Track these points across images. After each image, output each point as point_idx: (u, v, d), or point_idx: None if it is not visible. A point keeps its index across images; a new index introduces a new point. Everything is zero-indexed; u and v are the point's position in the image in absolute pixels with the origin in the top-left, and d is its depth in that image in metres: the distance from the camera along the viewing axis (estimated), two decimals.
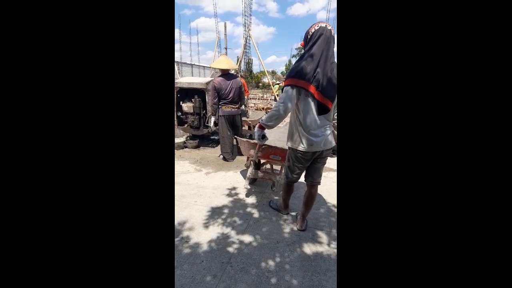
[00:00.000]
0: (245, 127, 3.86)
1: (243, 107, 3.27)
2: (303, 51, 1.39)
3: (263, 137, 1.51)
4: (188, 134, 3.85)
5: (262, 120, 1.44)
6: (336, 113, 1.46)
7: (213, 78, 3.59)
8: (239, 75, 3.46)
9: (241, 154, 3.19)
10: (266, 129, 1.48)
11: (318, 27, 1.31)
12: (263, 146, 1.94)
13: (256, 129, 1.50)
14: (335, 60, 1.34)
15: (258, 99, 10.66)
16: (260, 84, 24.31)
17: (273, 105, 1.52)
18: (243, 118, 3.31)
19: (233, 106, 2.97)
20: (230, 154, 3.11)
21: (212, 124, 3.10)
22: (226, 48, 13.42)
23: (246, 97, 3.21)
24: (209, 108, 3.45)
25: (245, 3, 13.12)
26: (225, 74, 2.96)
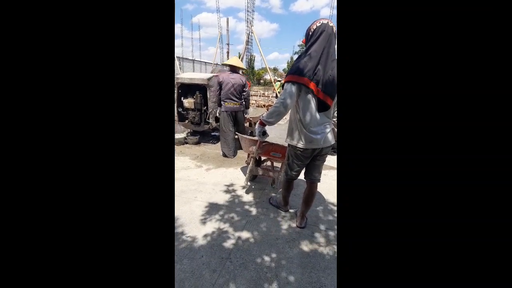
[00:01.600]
0: (246, 124, 3.87)
1: (246, 111, 3.32)
2: (305, 48, 1.39)
3: (264, 133, 1.51)
4: (189, 130, 3.85)
5: (263, 117, 1.45)
6: (336, 111, 1.45)
7: (214, 74, 3.60)
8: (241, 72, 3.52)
9: (241, 149, 3.25)
10: (267, 126, 1.48)
11: (320, 24, 1.30)
12: (264, 143, 1.94)
13: (257, 125, 1.50)
14: (337, 58, 1.34)
15: (260, 96, 10.61)
16: (261, 81, 24.22)
17: (274, 102, 1.54)
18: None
19: (235, 102, 3.03)
20: (231, 150, 3.12)
21: (215, 116, 3.30)
22: (228, 44, 13.35)
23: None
24: (210, 104, 3.48)
25: None
26: (231, 71, 3.12)
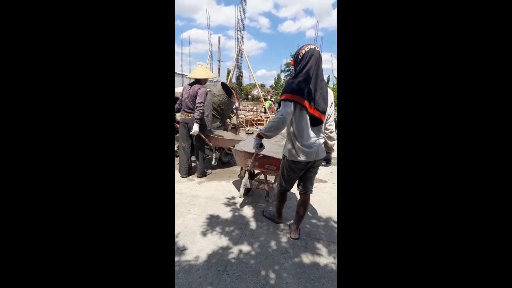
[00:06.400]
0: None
1: (233, 119, 2.94)
2: (292, 67, 1.52)
3: (261, 145, 1.58)
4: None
5: (261, 130, 1.53)
6: (327, 124, 1.57)
7: (207, 89, 3.65)
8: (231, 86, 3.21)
9: (203, 174, 2.88)
10: (264, 139, 1.56)
11: (308, 49, 1.45)
12: (260, 155, 2.00)
13: (254, 138, 1.57)
14: (324, 78, 1.50)
15: (248, 111, 10.80)
16: (249, 96, 24.73)
17: (272, 117, 1.67)
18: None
19: (186, 114, 2.73)
20: (182, 167, 2.81)
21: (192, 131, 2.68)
22: (219, 61, 13.68)
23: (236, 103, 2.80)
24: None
25: (237, 18, 13.58)
26: (195, 81, 2.79)
